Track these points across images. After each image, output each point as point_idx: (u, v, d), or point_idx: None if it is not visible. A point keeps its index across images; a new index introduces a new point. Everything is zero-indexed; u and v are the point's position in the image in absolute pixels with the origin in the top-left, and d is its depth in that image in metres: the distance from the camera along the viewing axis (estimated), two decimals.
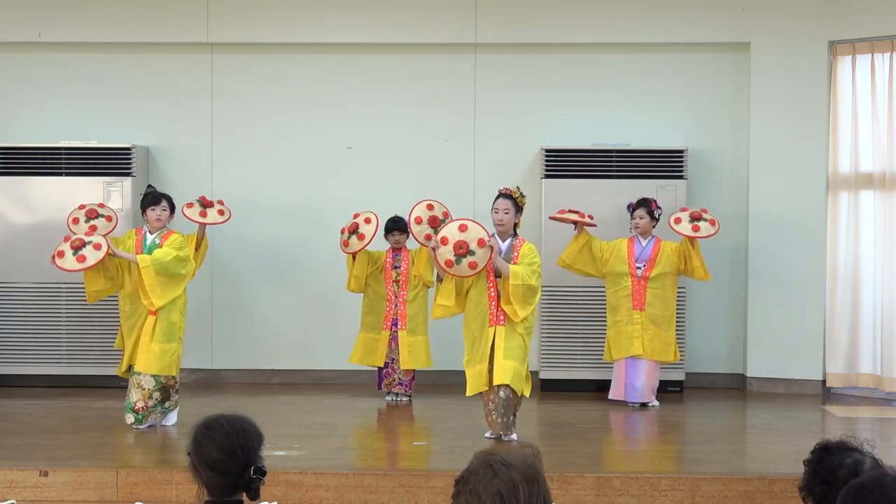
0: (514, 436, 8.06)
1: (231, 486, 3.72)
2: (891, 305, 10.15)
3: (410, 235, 9.93)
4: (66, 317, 10.57)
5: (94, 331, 10.53)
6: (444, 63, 10.93)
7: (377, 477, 7.16)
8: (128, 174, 10.59)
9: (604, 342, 10.07)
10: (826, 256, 10.48)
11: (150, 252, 8.61)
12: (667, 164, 10.49)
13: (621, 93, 10.84)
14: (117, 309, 10.15)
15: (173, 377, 8.63)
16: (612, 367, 9.95)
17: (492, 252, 7.96)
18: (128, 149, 10.63)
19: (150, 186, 10.24)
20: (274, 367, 10.93)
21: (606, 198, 10.29)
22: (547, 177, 10.37)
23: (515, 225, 8.27)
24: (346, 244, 9.80)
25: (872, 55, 10.26)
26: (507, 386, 7.99)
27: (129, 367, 8.66)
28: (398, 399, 9.95)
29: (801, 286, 10.48)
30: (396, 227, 9.97)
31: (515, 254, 8.12)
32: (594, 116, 10.83)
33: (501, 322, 8.04)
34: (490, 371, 8.01)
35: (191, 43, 10.89)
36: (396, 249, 10.01)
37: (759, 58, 10.58)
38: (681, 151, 10.52)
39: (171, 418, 8.69)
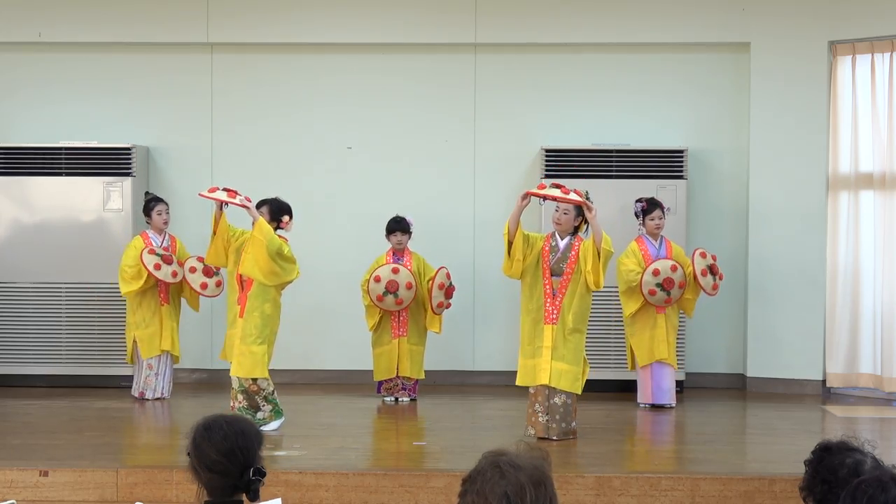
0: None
1: (231, 487, 3.71)
2: (891, 305, 10.15)
3: (412, 236, 9.97)
4: (66, 317, 10.56)
5: (94, 331, 10.53)
6: (444, 63, 10.92)
7: (377, 477, 7.16)
8: (128, 174, 10.59)
9: (621, 342, 10.12)
10: (826, 256, 10.47)
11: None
12: (667, 164, 10.49)
13: (621, 93, 10.84)
14: (117, 309, 10.20)
15: (254, 381, 8.48)
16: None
17: (591, 211, 8.00)
18: (128, 149, 10.63)
19: (148, 193, 10.26)
20: (274, 367, 10.87)
21: (607, 198, 10.26)
22: (547, 177, 10.33)
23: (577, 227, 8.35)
24: (380, 299, 9.71)
25: (872, 55, 10.26)
26: (562, 392, 8.16)
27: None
28: (399, 401, 9.94)
29: (801, 286, 10.48)
30: (399, 227, 9.94)
31: (573, 252, 8.19)
32: (594, 116, 10.83)
33: (555, 321, 8.12)
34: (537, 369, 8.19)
35: (191, 43, 10.88)
36: (398, 252, 9.97)
37: (759, 58, 10.58)
38: (681, 151, 10.52)
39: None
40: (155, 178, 10.87)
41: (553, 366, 8.10)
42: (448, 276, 9.90)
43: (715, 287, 9.67)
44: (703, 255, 9.69)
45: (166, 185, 10.70)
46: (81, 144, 10.66)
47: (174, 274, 9.78)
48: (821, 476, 3.61)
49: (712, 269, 9.65)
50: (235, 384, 8.52)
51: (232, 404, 8.54)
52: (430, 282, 9.78)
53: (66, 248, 10.46)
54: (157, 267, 9.72)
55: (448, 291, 9.86)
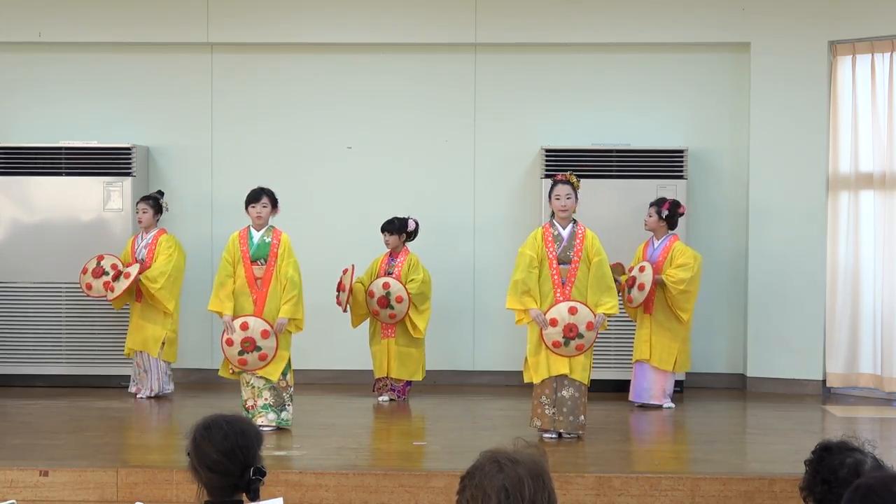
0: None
1: (231, 487, 3.71)
2: (891, 305, 10.15)
3: (407, 237, 9.98)
4: (66, 317, 10.56)
5: (94, 331, 10.53)
6: (444, 63, 10.92)
7: (377, 477, 7.16)
8: (128, 174, 10.59)
9: (620, 342, 10.22)
10: (826, 256, 10.47)
11: (257, 250, 8.53)
12: (667, 164, 10.49)
13: (621, 93, 10.84)
14: (117, 309, 10.19)
15: (284, 377, 8.53)
16: (628, 367, 10.00)
17: (595, 331, 8.11)
18: (128, 149, 10.63)
19: (159, 192, 10.27)
20: None
21: (606, 198, 10.29)
22: (547, 177, 10.32)
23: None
24: (339, 302, 9.89)
25: (872, 55, 10.26)
26: (574, 383, 8.14)
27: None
28: (387, 402, 9.94)
29: (802, 286, 10.48)
30: (387, 227, 9.94)
31: (578, 240, 8.18)
32: (594, 116, 10.83)
33: None
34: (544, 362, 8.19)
35: (191, 43, 10.88)
36: (394, 254, 9.97)
37: (759, 58, 10.58)
38: (681, 151, 10.52)
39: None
40: (155, 178, 10.87)
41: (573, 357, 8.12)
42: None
43: (641, 287, 9.50)
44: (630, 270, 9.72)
45: (166, 185, 10.69)
46: (81, 144, 10.66)
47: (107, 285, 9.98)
48: (821, 476, 3.61)
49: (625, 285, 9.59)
50: (260, 382, 8.46)
51: (252, 402, 8.45)
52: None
53: (66, 248, 10.46)
54: (108, 286, 9.96)
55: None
